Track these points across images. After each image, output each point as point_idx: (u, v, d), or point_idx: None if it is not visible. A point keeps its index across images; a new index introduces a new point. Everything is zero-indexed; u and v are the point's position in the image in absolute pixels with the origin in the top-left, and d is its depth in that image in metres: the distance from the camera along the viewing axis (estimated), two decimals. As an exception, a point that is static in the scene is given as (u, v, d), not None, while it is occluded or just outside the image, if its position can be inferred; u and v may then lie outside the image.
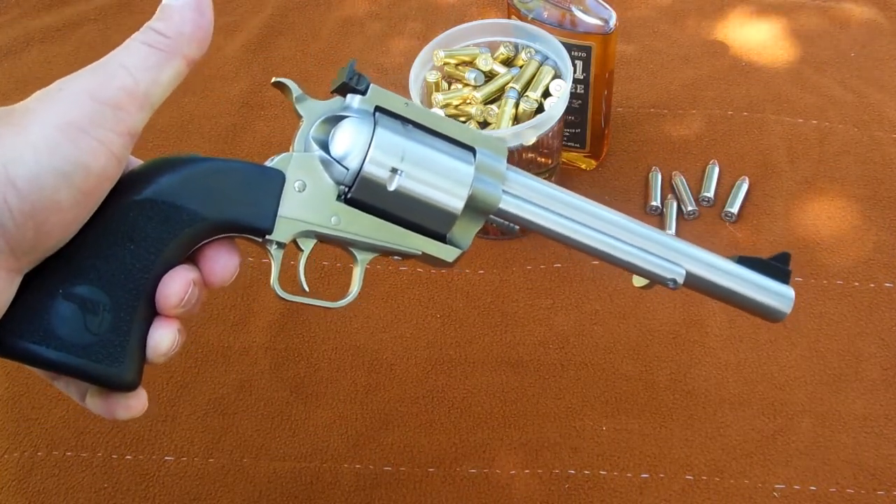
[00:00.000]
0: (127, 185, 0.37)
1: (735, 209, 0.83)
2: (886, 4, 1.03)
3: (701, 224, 0.84)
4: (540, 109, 0.76)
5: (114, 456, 0.72)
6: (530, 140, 0.74)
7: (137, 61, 0.38)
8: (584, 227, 0.47)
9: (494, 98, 0.78)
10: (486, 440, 0.71)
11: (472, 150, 0.43)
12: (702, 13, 1.05)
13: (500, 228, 0.56)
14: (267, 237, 0.40)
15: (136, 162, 0.41)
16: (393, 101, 0.41)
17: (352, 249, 0.42)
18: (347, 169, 0.39)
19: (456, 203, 0.42)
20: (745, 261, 0.50)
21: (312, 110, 0.41)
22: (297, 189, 0.39)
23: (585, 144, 0.87)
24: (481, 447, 0.70)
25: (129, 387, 0.38)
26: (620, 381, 0.74)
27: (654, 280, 0.48)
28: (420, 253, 0.42)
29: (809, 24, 1.02)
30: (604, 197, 0.87)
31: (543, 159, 0.78)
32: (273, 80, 0.42)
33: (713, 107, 0.94)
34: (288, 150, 0.42)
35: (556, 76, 0.77)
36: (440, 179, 0.41)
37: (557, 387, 0.74)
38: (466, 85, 0.79)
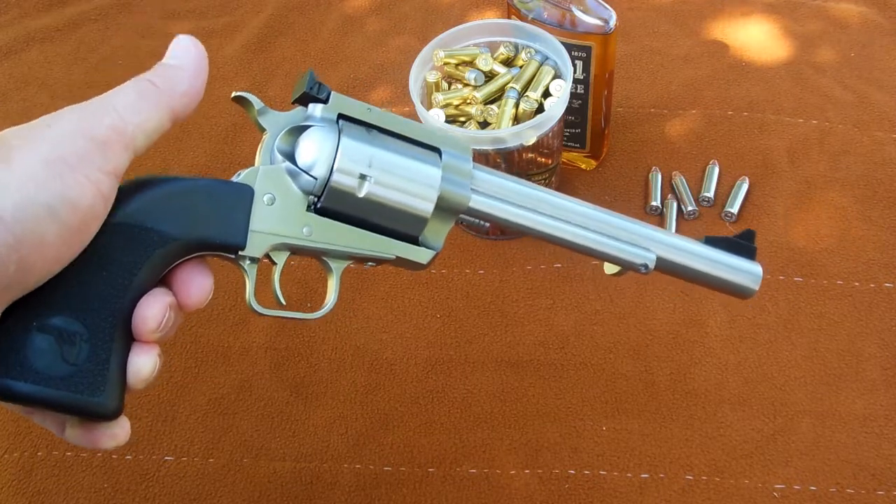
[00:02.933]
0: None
1: (735, 209, 0.83)
2: (886, 4, 1.03)
3: (701, 224, 0.84)
4: (540, 109, 0.76)
5: (114, 456, 0.72)
6: (530, 140, 0.74)
7: (128, 104, 0.39)
8: (553, 219, 0.46)
9: (494, 98, 0.78)
10: (486, 440, 0.71)
11: (437, 151, 0.43)
12: (702, 13, 1.05)
13: (470, 227, 0.55)
14: (240, 253, 0.39)
15: None
16: (355, 108, 0.41)
17: (325, 259, 0.42)
18: (315, 178, 0.39)
19: (426, 205, 0.42)
20: (712, 241, 0.51)
21: (275, 122, 0.41)
22: (266, 202, 0.39)
23: (585, 144, 0.87)
24: (481, 447, 0.70)
25: (112, 415, 0.38)
26: (620, 381, 0.74)
27: (626, 266, 0.49)
28: (394, 257, 0.42)
29: (809, 24, 1.02)
30: (604, 197, 0.87)
31: (543, 159, 0.78)
32: (233, 94, 0.42)
33: (713, 107, 0.94)
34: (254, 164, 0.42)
35: (556, 76, 0.77)
36: (409, 183, 0.41)
37: (557, 387, 0.74)
38: (466, 85, 0.79)
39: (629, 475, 0.68)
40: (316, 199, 0.40)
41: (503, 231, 0.46)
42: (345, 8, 1.11)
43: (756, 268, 0.51)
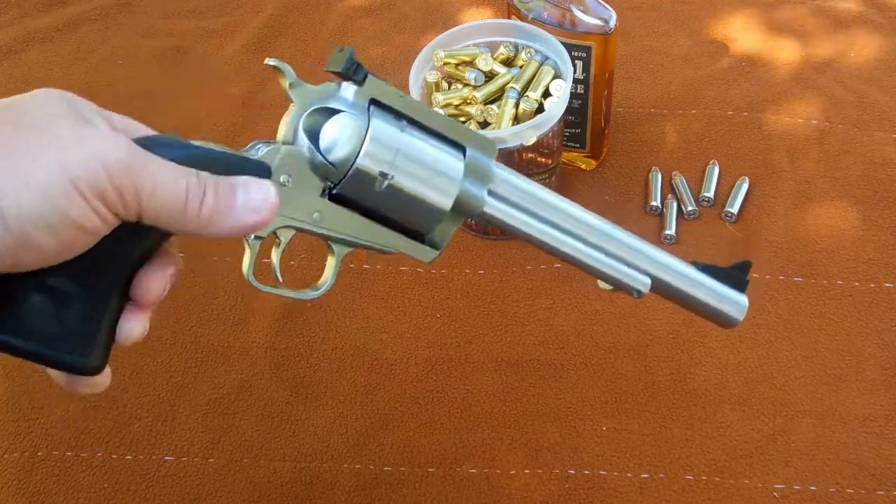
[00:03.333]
0: None
1: (735, 209, 0.83)
2: (886, 5, 1.03)
3: (701, 224, 0.84)
4: (540, 109, 0.76)
5: (114, 456, 0.72)
6: (530, 140, 0.74)
7: (164, 177, 0.35)
8: (563, 232, 0.46)
9: (494, 98, 0.78)
10: (486, 440, 0.71)
11: (462, 148, 0.42)
12: (701, 13, 1.05)
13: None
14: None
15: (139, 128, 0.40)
16: (388, 94, 0.40)
17: (329, 242, 0.41)
18: (335, 166, 0.38)
19: (443, 206, 0.41)
20: (706, 268, 0.50)
21: (305, 97, 0.39)
22: (281, 182, 0.37)
23: (585, 144, 0.87)
24: (481, 447, 0.70)
25: (96, 372, 0.37)
26: (620, 381, 0.74)
27: (621, 289, 0.48)
28: (398, 252, 0.41)
29: (809, 24, 1.02)
30: (604, 197, 0.87)
31: (543, 159, 0.78)
32: (267, 60, 0.39)
33: (713, 107, 0.94)
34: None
35: (556, 76, 0.77)
36: (429, 182, 0.40)
37: (557, 387, 0.74)
38: (466, 85, 0.79)
39: (629, 475, 0.68)
40: (332, 186, 0.38)
41: (503, 231, 0.45)
42: (345, 8, 1.11)
43: (743, 299, 0.51)
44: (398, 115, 0.39)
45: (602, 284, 0.49)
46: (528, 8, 0.80)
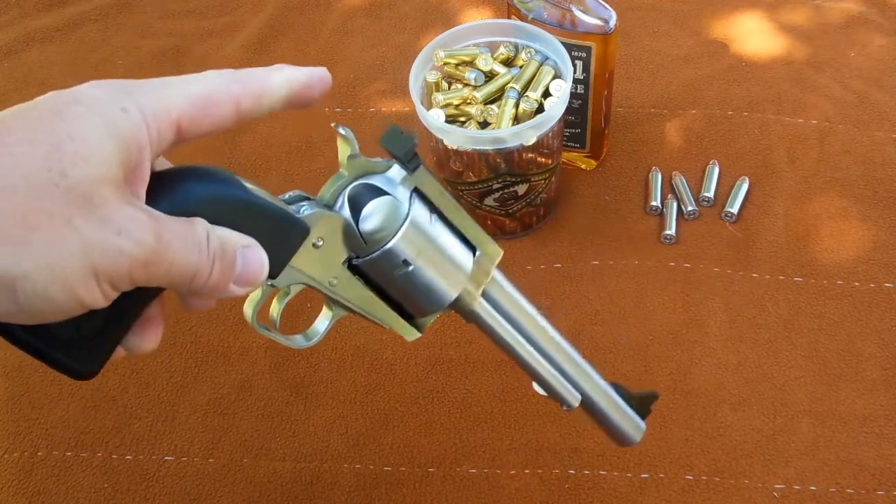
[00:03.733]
0: (151, 192, 0.34)
1: (735, 209, 0.83)
2: (886, 5, 1.03)
3: (701, 224, 0.84)
4: (540, 109, 0.76)
5: (114, 456, 0.73)
6: (530, 140, 0.74)
7: (180, 259, 0.33)
8: (532, 344, 0.48)
9: (494, 98, 0.78)
10: (486, 440, 0.71)
11: (473, 248, 0.43)
12: (701, 13, 1.05)
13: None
14: (269, 281, 0.39)
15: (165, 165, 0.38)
16: (432, 189, 0.40)
17: (332, 303, 0.41)
18: (367, 242, 0.39)
19: (449, 297, 0.43)
20: (623, 393, 0.54)
21: (357, 168, 0.39)
22: (313, 243, 0.38)
23: (585, 144, 0.87)
24: (481, 447, 0.70)
25: (89, 378, 0.37)
26: (620, 380, 0.73)
27: (556, 399, 0.51)
28: (388, 327, 0.43)
29: (809, 24, 1.02)
30: (604, 197, 0.87)
31: (543, 159, 0.78)
32: (334, 125, 0.39)
33: (713, 107, 0.94)
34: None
35: (556, 76, 0.77)
36: (444, 273, 0.41)
37: (557, 387, 0.74)
38: (466, 85, 0.79)
39: (629, 475, 0.68)
40: (355, 257, 0.39)
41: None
42: (345, 8, 1.11)
43: (643, 424, 0.56)
44: (431, 207, 0.41)
45: (536, 388, 0.52)
46: (528, 8, 0.80)
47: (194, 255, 0.33)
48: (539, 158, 0.77)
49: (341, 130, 0.39)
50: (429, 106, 0.79)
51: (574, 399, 0.51)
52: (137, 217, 0.31)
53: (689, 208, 0.84)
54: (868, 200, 0.84)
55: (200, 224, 0.34)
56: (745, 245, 0.82)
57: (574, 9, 0.78)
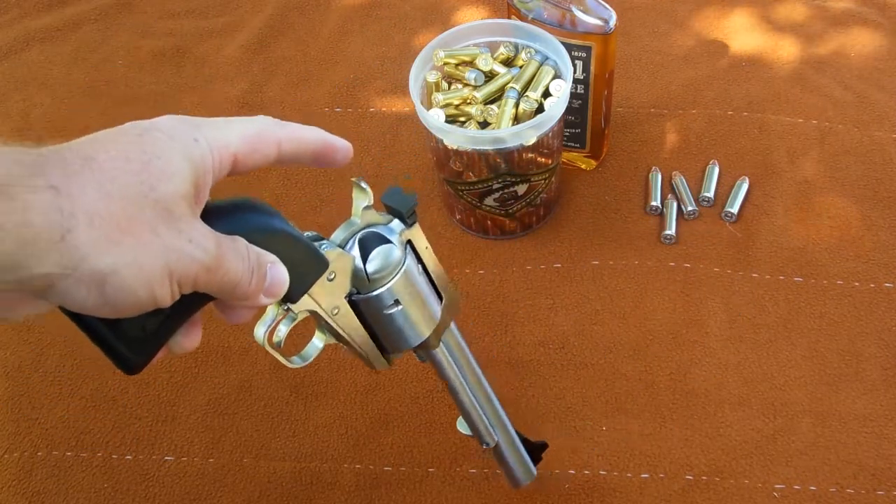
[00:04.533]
0: (205, 213, 0.38)
1: (735, 209, 0.83)
2: (886, 5, 1.03)
3: (701, 224, 0.84)
4: (540, 109, 0.76)
5: (114, 456, 0.73)
6: (530, 140, 0.74)
7: (233, 270, 0.39)
8: (470, 388, 0.56)
9: (494, 98, 0.78)
10: (486, 440, 0.71)
11: (440, 296, 0.50)
12: (702, 13, 1.05)
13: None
14: (287, 304, 0.44)
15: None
16: (421, 243, 0.48)
17: (325, 328, 0.47)
18: (368, 281, 0.45)
19: (423, 335, 0.49)
20: (523, 440, 0.62)
21: (369, 218, 0.46)
22: (327, 277, 0.44)
23: (585, 144, 0.87)
24: (481, 448, 0.70)
25: (137, 372, 0.40)
26: (620, 381, 0.74)
27: (479, 437, 0.58)
28: (366, 355, 0.49)
29: (809, 24, 1.02)
30: (604, 197, 0.87)
31: (543, 159, 0.78)
32: (355, 179, 0.45)
33: (713, 107, 0.94)
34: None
35: (556, 76, 0.77)
36: (422, 315, 0.48)
37: (557, 387, 0.74)
38: (466, 85, 0.79)
39: (629, 475, 0.68)
40: (356, 293, 0.45)
41: (437, 371, 0.55)
42: (345, 8, 1.11)
43: (535, 470, 0.64)
44: (417, 260, 0.48)
45: (460, 426, 0.59)
46: (528, 8, 0.80)
47: (241, 265, 0.38)
48: (539, 158, 0.77)
49: (362, 184, 0.45)
50: (429, 106, 0.79)
51: (492, 439, 0.58)
52: (203, 230, 0.36)
53: (689, 208, 0.84)
54: (868, 200, 0.84)
55: (240, 240, 0.39)
56: (745, 245, 0.82)
57: (574, 9, 0.78)
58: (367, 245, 0.45)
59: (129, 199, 0.34)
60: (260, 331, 0.44)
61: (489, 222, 0.83)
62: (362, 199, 0.46)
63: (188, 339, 0.41)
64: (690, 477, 0.68)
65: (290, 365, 0.46)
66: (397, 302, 0.46)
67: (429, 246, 0.48)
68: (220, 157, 0.38)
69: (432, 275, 0.49)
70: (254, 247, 0.40)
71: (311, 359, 0.48)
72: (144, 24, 1.12)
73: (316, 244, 0.44)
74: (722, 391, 0.72)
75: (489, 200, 0.80)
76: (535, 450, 0.64)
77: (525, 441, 0.62)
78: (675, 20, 1.04)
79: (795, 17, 1.03)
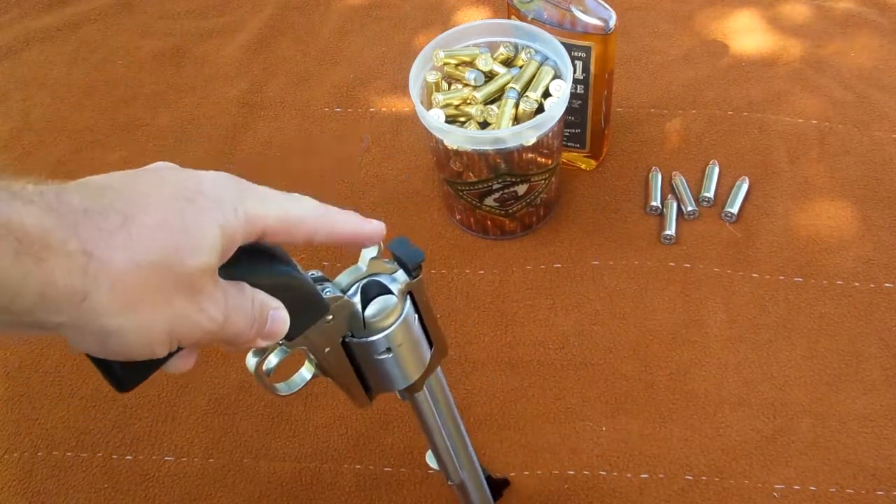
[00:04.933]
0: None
1: (735, 209, 0.83)
2: (886, 5, 1.03)
3: (701, 224, 0.84)
4: (540, 109, 0.76)
5: (114, 456, 0.73)
6: (530, 140, 0.74)
7: (237, 321, 0.39)
8: (445, 430, 0.57)
9: (494, 98, 0.78)
10: (486, 441, 0.71)
11: (431, 345, 0.51)
12: (702, 13, 1.05)
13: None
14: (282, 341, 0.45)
15: None
16: (421, 292, 0.48)
17: (313, 363, 0.48)
18: (365, 327, 0.46)
19: (411, 379, 0.50)
20: (483, 472, 0.63)
21: (374, 268, 0.47)
22: (326, 319, 0.44)
23: (585, 144, 0.87)
24: (481, 449, 0.70)
25: (128, 391, 0.41)
26: (620, 381, 0.74)
27: (446, 472, 0.59)
28: (350, 392, 0.49)
29: (809, 24, 1.02)
30: (604, 197, 0.87)
31: (543, 159, 0.78)
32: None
33: (713, 107, 0.94)
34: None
35: (556, 76, 0.77)
36: (412, 362, 0.49)
37: (557, 387, 0.74)
38: (466, 85, 0.79)
39: (629, 475, 0.68)
40: (350, 335, 0.46)
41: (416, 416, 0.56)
42: (345, 8, 1.11)
43: None
44: (416, 309, 0.48)
45: (430, 460, 0.59)
46: (528, 8, 0.80)
47: (245, 321, 0.39)
48: (539, 158, 0.77)
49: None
50: (429, 106, 0.79)
51: (458, 477, 0.59)
52: (216, 298, 0.37)
53: (689, 208, 0.84)
54: (868, 200, 0.84)
55: (247, 291, 0.39)
56: (745, 245, 0.82)
57: (574, 9, 0.78)
58: (369, 292, 0.46)
59: (155, 270, 0.34)
60: (252, 361, 0.45)
61: (489, 222, 0.83)
62: (371, 249, 0.46)
63: (183, 361, 0.41)
64: (690, 477, 0.68)
65: (276, 393, 0.47)
66: (389, 350, 0.47)
67: (428, 299, 0.49)
68: (250, 231, 0.38)
69: (427, 324, 0.50)
70: (259, 294, 0.40)
71: (297, 389, 0.48)
72: (144, 24, 1.12)
73: (319, 286, 0.44)
74: (722, 391, 0.72)
75: (489, 200, 0.80)
76: (498, 486, 0.66)
77: (489, 478, 0.64)
78: (675, 20, 1.04)
79: (796, 18, 1.03)
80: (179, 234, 0.35)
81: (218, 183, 0.38)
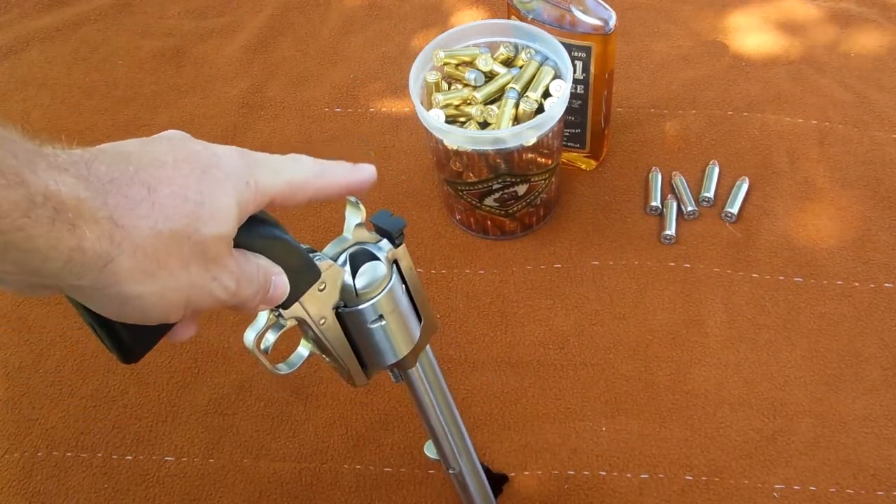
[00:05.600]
0: None
1: (735, 209, 0.83)
2: (886, 5, 1.03)
3: (701, 224, 0.84)
4: (540, 110, 0.76)
5: (114, 456, 0.73)
6: (530, 140, 0.74)
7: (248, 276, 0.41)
8: (440, 413, 0.57)
9: (494, 98, 0.78)
10: (486, 442, 0.71)
11: (419, 317, 0.52)
12: (702, 13, 1.05)
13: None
14: (279, 310, 0.46)
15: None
16: (407, 262, 0.49)
17: (311, 339, 0.49)
18: (356, 295, 0.47)
19: (402, 352, 0.51)
20: (483, 466, 0.63)
21: (359, 235, 0.48)
22: (318, 288, 0.45)
23: (585, 144, 0.87)
24: (481, 449, 0.70)
25: (134, 362, 0.42)
26: (620, 381, 0.74)
27: (444, 461, 0.60)
28: (346, 369, 0.50)
29: (809, 24, 1.02)
30: (604, 197, 0.87)
31: (543, 159, 0.78)
32: (349, 197, 0.47)
33: (713, 107, 0.94)
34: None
35: (556, 76, 0.77)
36: (399, 336, 0.50)
37: (557, 387, 0.74)
38: (466, 85, 0.79)
39: (629, 475, 0.68)
40: (343, 305, 0.47)
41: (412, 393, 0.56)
42: (345, 8, 1.11)
43: (494, 501, 0.65)
44: (402, 280, 0.49)
45: (428, 450, 0.60)
46: (528, 8, 0.80)
47: (252, 289, 0.41)
48: (539, 159, 0.77)
49: (352, 199, 0.47)
50: (429, 106, 0.79)
51: (457, 464, 0.60)
52: (230, 268, 0.39)
53: (689, 208, 0.84)
54: (868, 200, 0.84)
55: (253, 260, 0.41)
56: (745, 245, 0.82)
57: (574, 9, 0.78)
58: (357, 261, 0.47)
59: (174, 238, 0.36)
60: (250, 335, 0.46)
61: (489, 222, 0.83)
62: (355, 216, 0.47)
63: (186, 329, 0.43)
64: (690, 477, 0.68)
65: (275, 372, 0.48)
66: (381, 317, 0.48)
67: (413, 267, 0.50)
68: (263, 200, 0.40)
69: (414, 296, 0.51)
70: (262, 260, 0.42)
71: (296, 367, 0.49)
72: (144, 24, 1.12)
73: (310, 255, 0.45)
74: (722, 391, 0.72)
75: (489, 201, 0.80)
76: (497, 481, 0.67)
77: (487, 472, 0.64)
78: (675, 20, 1.04)
79: (796, 18, 1.03)
80: (196, 206, 0.36)
81: (229, 155, 0.39)
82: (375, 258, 0.47)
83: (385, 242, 0.48)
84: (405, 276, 0.50)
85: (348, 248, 0.47)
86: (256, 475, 0.71)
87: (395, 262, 0.49)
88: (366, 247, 0.48)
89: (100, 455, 0.73)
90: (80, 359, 0.79)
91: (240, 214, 0.39)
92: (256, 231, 0.41)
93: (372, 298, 0.47)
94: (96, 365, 0.78)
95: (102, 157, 0.35)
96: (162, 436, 0.73)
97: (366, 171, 0.45)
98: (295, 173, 0.42)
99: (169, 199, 0.35)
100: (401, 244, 0.49)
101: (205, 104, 1.01)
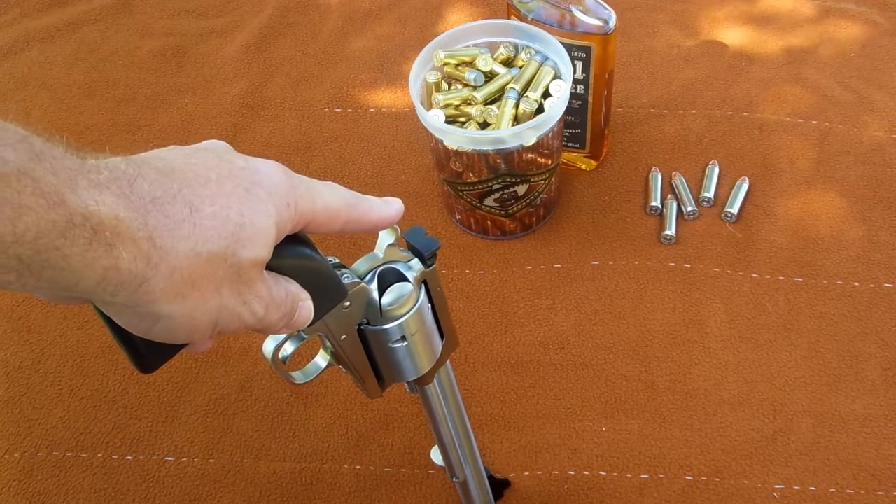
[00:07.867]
0: None
1: (735, 209, 0.83)
2: (886, 5, 1.03)
3: (701, 224, 0.84)
4: (540, 110, 0.76)
5: (114, 456, 0.73)
6: (530, 140, 0.74)
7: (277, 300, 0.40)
8: (452, 424, 0.57)
9: (494, 98, 0.78)
10: (486, 442, 0.71)
11: (442, 336, 0.51)
12: (702, 13, 1.05)
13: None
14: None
15: None
16: (435, 281, 0.49)
17: (328, 351, 0.48)
18: (381, 315, 0.46)
19: (423, 369, 0.50)
20: (489, 477, 0.64)
21: (391, 255, 0.47)
22: (344, 304, 0.45)
23: (585, 145, 0.87)
24: (481, 449, 0.70)
25: (150, 372, 0.42)
26: (620, 381, 0.74)
27: (450, 469, 0.59)
28: (363, 383, 0.50)
29: (810, 24, 1.02)
30: (604, 197, 0.87)
31: (543, 160, 0.78)
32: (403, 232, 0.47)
33: (713, 107, 0.94)
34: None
35: (556, 76, 0.77)
36: (420, 356, 0.49)
37: (557, 387, 0.74)
38: (466, 85, 0.79)
39: (629, 476, 0.68)
40: (366, 322, 0.46)
41: (425, 406, 0.56)
42: (345, 8, 1.11)
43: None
44: (430, 299, 0.49)
45: (434, 456, 0.60)
46: (528, 8, 0.80)
47: (278, 315, 0.40)
48: (539, 159, 0.77)
49: (395, 224, 0.46)
50: (429, 106, 0.79)
51: (462, 474, 0.60)
52: (261, 292, 0.38)
53: (689, 208, 0.84)
54: (868, 200, 0.84)
55: (283, 285, 0.40)
56: (745, 245, 0.82)
57: (574, 9, 0.78)
58: (385, 280, 0.47)
59: (211, 260, 0.35)
60: (269, 346, 0.45)
61: (489, 223, 0.83)
62: (388, 236, 0.47)
63: (203, 343, 0.42)
64: (690, 477, 0.68)
65: (292, 381, 0.47)
66: (403, 338, 0.47)
67: (441, 286, 0.50)
68: (300, 223, 0.40)
69: (439, 314, 0.50)
70: (292, 286, 0.41)
71: (313, 377, 0.48)
72: (144, 24, 1.12)
73: (338, 272, 0.45)
74: (722, 391, 0.72)
75: (489, 201, 0.80)
76: (498, 486, 0.67)
77: (490, 478, 0.64)
78: (675, 20, 1.04)
79: (796, 18, 1.03)
80: (237, 229, 0.36)
81: (272, 174, 0.39)
82: (404, 278, 0.47)
83: (416, 262, 0.48)
84: (432, 295, 0.49)
85: (378, 266, 0.47)
86: (256, 475, 0.71)
87: (424, 281, 0.48)
88: (395, 266, 0.47)
89: (100, 455, 0.73)
90: (80, 359, 0.79)
91: (277, 236, 0.38)
92: (288, 251, 0.41)
93: (397, 319, 0.46)
94: (96, 365, 0.78)
95: (146, 172, 0.34)
96: (162, 436, 0.73)
97: (394, 207, 0.45)
98: (332, 200, 0.41)
99: (210, 220, 0.35)
100: (432, 265, 0.48)
101: (205, 104, 1.01)
